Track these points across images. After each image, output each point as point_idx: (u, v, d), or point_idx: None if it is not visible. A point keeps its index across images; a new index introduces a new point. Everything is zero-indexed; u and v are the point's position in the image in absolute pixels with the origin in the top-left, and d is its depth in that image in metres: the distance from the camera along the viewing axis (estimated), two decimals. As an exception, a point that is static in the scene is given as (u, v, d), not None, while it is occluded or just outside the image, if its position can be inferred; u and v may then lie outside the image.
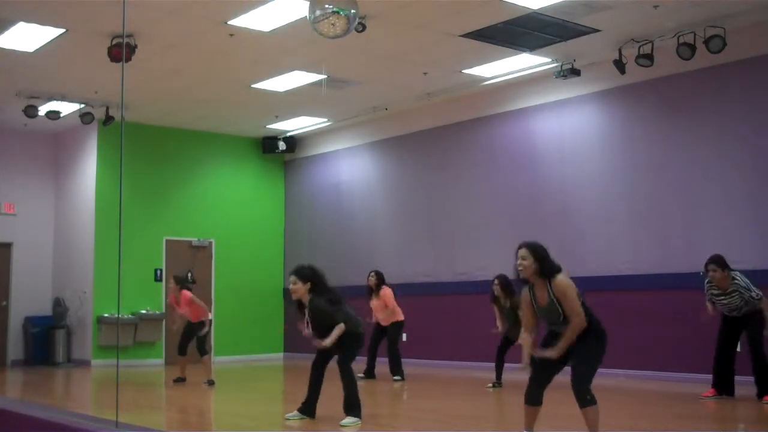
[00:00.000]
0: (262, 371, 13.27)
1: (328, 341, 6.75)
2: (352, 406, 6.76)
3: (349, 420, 6.67)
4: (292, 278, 6.88)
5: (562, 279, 5.06)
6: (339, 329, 6.73)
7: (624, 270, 10.48)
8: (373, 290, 10.66)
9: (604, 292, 10.49)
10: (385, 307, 10.59)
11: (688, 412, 7.49)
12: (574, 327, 4.97)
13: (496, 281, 9.45)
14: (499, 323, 9.61)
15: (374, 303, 10.66)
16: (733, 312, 7.99)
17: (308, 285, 6.84)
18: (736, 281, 7.88)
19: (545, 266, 5.08)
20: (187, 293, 10.34)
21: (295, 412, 7.00)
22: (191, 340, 10.39)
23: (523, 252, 5.11)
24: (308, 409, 7.00)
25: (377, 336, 10.73)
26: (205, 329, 10.32)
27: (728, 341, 8.14)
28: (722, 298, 8.00)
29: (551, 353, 5.00)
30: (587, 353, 5.04)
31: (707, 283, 8.11)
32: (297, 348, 14.85)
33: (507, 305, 9.39)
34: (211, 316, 10.44)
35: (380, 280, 10.71)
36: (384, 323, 10.62)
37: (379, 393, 9.59)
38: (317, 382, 7.01)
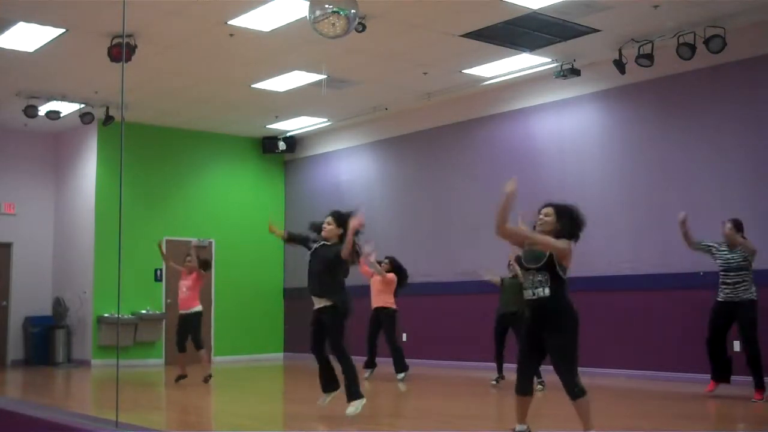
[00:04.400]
0: (262, 371, 13.27)
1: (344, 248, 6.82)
2: (353, 392, 6.81)
3: (351, 409, 6.71)
4: (329, 218, 7.03)
5: (566, 240, 5.20)
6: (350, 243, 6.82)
7: (624, 270, 10.48)
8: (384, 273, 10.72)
9: (604, 292, 10.51)
10: (383, 285, 10.58)
11: (688, 412, 7.49)
12: (546, 240, 5.12)
13: (513, 261, 9.29)
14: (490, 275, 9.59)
15: (376, 279, 10.67)
16: (729, 271, 8.04)
17: (340, 230, 6.97)
18: (745, 243, 8.09)
19: (564, 228, 5.23)
20: (200, 276, 10.46)
21: (323, 396, 7.11)
22: (188, 336, 10.38)
23: (547, 209, 5.34)
24: (330, 386, 7.11)
25: (374, 327, 10.71)
26: (194, 323, 10.33)
27: (719, 329, 8.19)
28: (726, 252, 8.15)
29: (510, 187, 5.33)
30: (564, 345, 5.09)
31: (715, 242, 8.26)
32: (297, 348, 14.86)
33: (515, 281, 9.31)
34: (197, 309, 10.40)
35: (394, 267, 10.81)
36: (377, 303, 10.60)
37: (379, 393, 9.58)
38: (325, 361, 7.09)
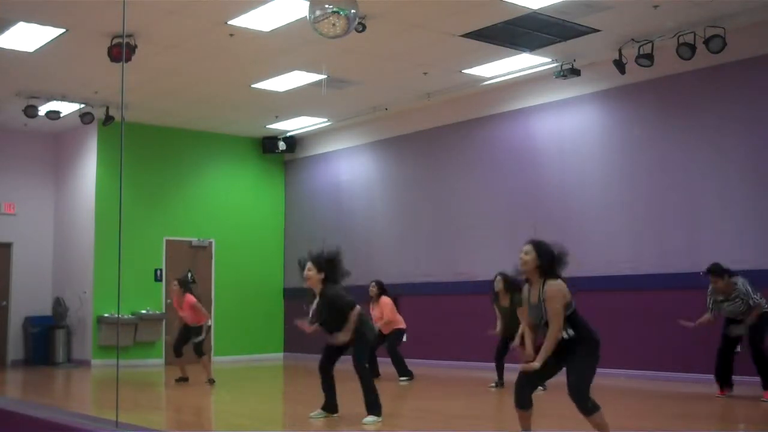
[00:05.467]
0: (262, 371, 13.27)
1: (343, 336, 6.71)
2: (372, 406, 6.80)
3: (370, 419, 6.72)
4: (309, 265, 6.85)
5: (554, 284, 5.05)
6: (354, 315, 6.71)
7: (624, 270, 10.48)
8: (373, 299, 10.67)
9: (604, 292, 10.51)
10: (381, 318, 10.56)
11: (688, 412, 7.49)
12: (550, 335, 4.98)
13: (498, 277, 9.43)
14: (498, 324, 9.58)
15: (374, 311, 10.66)
16: (738, 316, 8.01)
17: (322, 275, 6.82)
18: (737, 286, 7.94)
19: (544, 265, 5.08)
20: (190, 297, 10.37)
21: (319, 411, 7.08)
22: (187, 343, 10.39)
23: (527, 248, 5.15)
24: (330, 407, 7.08)
25: (378, 342, 10.70)
26: (201, 336, 10.33)
27: (730, 343, 8.17)
28: (727, 303, 8.06)
29: (535, 365, 5.00)
30: (580, 364, 5.02)
31: (710, 292, 8.14)
32: (297, 348, 14.86)
33: (507, 304, 9.38)
34: (210, 321, 10.44)
35: (381, 290, 10.73)
36: (384, 331, 10.58)
37: (380, 393, 9.57)
38: (330, 385, 7.06)
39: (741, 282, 7.95)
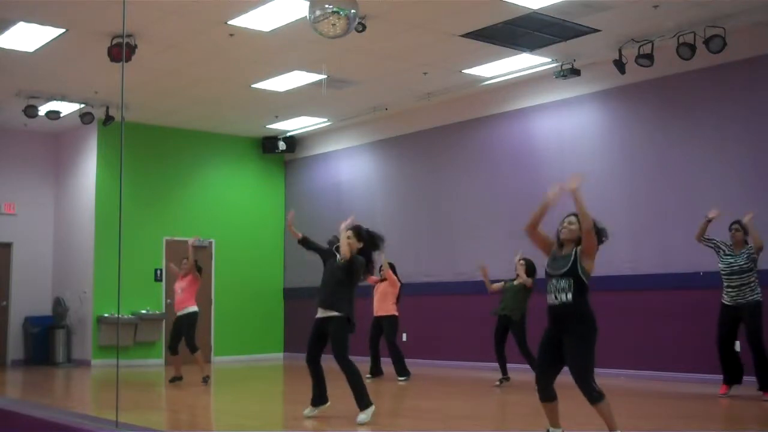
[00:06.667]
0: (262, 371, 13.27)
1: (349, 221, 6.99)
2: (361, 399, 6.78)
3: (363, 417, 6.69)
4: (350, 233, 6.96)
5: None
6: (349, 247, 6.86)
7: (624, 270, 10.48)
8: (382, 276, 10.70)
9: (604, 292, 10.49)
10: (386, 284, 10.57)
11: (688, 412, 7.49)
12: (587, 216, 5.22)
13: (522, 261, 9.43)
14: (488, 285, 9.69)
15: (379, 287, 10.66)
16: (733, 277, 8.03)
17: (361, 245, 6.97)
18: (749, 245, 8.08)
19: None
20: (196, 278, 10.41)
21: (310, 408, 7.06)
22: (180, 338, 10.38)
23: (571, 218, 5.39)
24: (319, 399, 7.08)
25: (376, 332, 10.73)
26: (189, 322, 10.33)
27: (728, 335, 8.19)
28: (729, 256, 8.11)
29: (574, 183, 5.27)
30: (579, 350, 5.09)
31: (723, 242, 8.20)
32: (297, 348, 14.85)
33: (517, 286, 9.43)
34: (192, 309, 10.39)
35: (392, 266, 10.78)
36: (379, 311, 10.61)
37: (379, 393, 9.58)
38: (318, 375, 7.07)
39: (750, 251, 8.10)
